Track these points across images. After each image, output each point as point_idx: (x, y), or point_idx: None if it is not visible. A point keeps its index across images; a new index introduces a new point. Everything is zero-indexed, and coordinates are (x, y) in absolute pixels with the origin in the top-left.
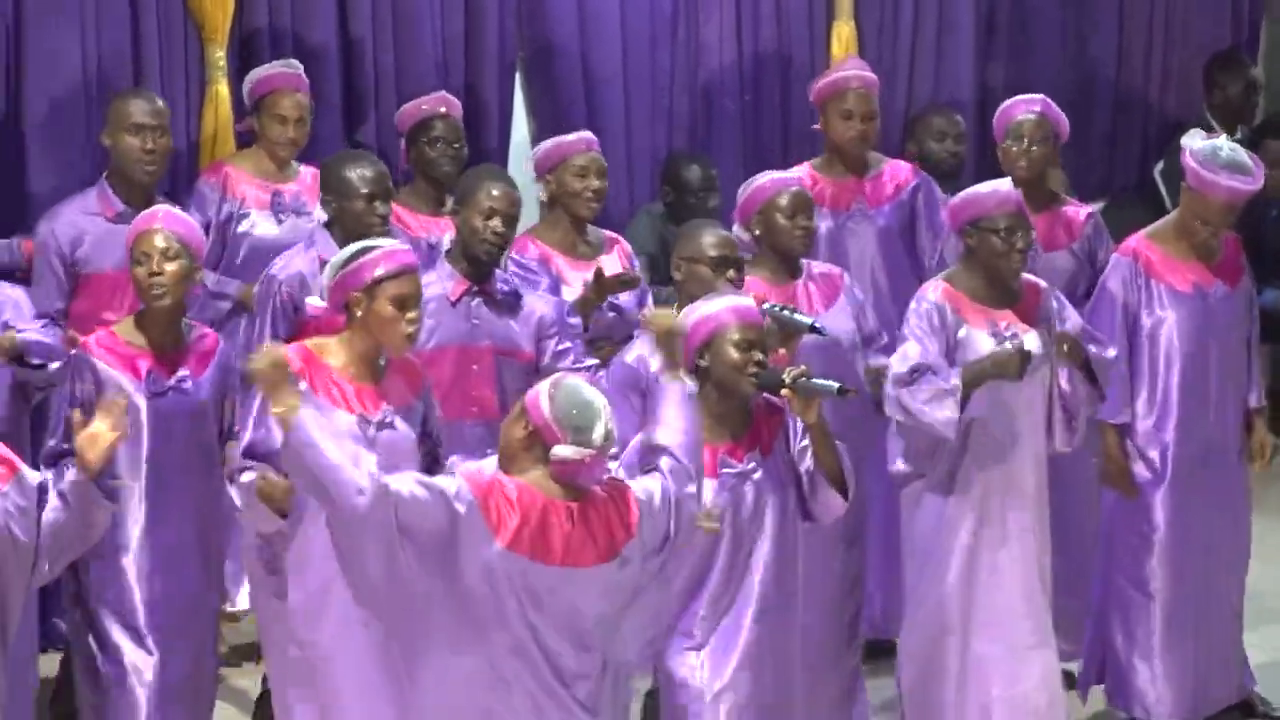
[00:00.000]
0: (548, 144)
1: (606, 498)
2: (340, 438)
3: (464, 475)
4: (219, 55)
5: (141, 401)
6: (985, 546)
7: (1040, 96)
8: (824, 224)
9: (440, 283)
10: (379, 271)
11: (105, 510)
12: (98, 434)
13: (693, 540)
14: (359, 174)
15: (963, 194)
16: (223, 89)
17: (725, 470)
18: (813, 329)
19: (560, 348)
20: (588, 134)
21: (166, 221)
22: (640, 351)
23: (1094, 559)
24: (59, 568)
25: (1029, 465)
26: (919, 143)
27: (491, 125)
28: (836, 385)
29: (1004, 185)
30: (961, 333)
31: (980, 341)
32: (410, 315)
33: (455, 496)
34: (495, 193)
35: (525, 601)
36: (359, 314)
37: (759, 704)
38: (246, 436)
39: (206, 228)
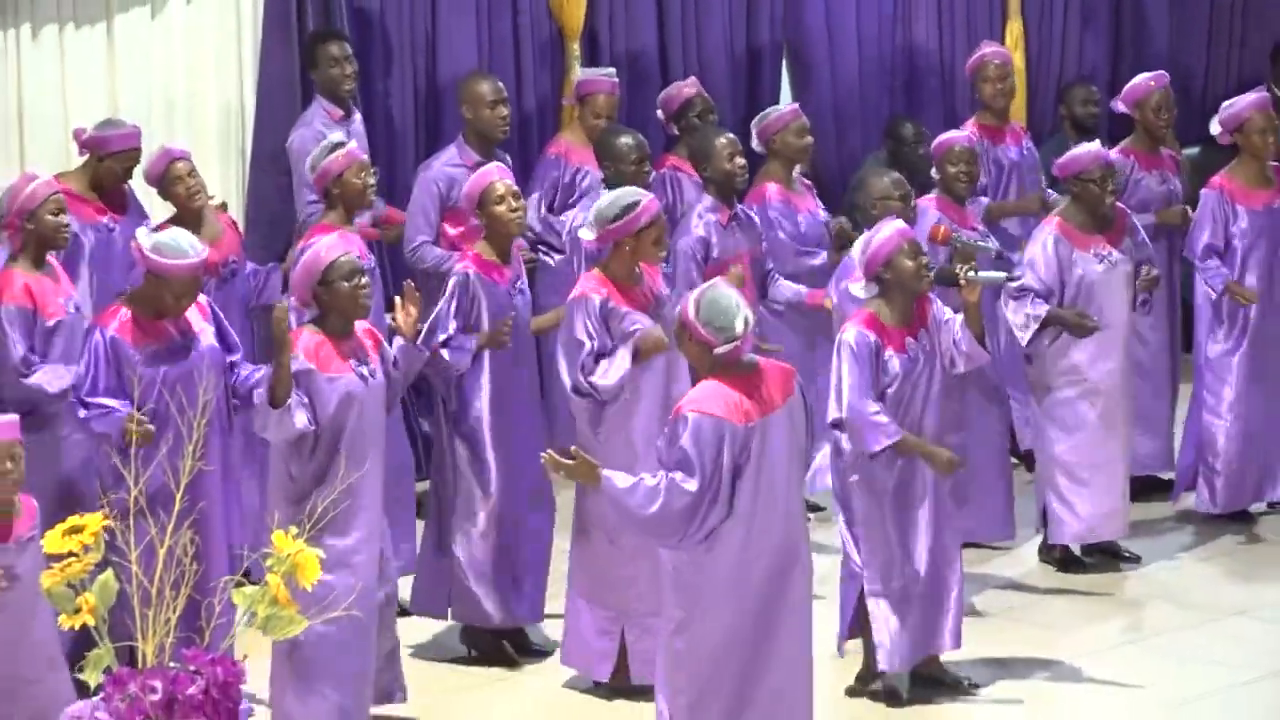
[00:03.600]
0: (770, 114)
1: (775, 366)
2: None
3: (688, 409)
4: (574, 48)
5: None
6: (1093, 386)
7: (1164, 74)
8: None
9: (710, 214)
10: (644, 221)
11: (420, 359)
12: (411, 316)
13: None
14: (628, 144)
15: (1066, 156)
16: (576, 74)
17: (910, 347)
18: (999, 255)
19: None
20: (794, 106)
21: (503, 174)
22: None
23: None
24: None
25: (1123, 334)
26: (1069, 107)
27: (765, 97)
28: (1004, 275)
29: (1095, 147)
30: (1073, 255)
31: (1085, 261)
32: (661, 245)
33: (696, 422)
34: (726, 141)
35: (760, 451)
36: (628, 249)
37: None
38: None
39: (554, 185)
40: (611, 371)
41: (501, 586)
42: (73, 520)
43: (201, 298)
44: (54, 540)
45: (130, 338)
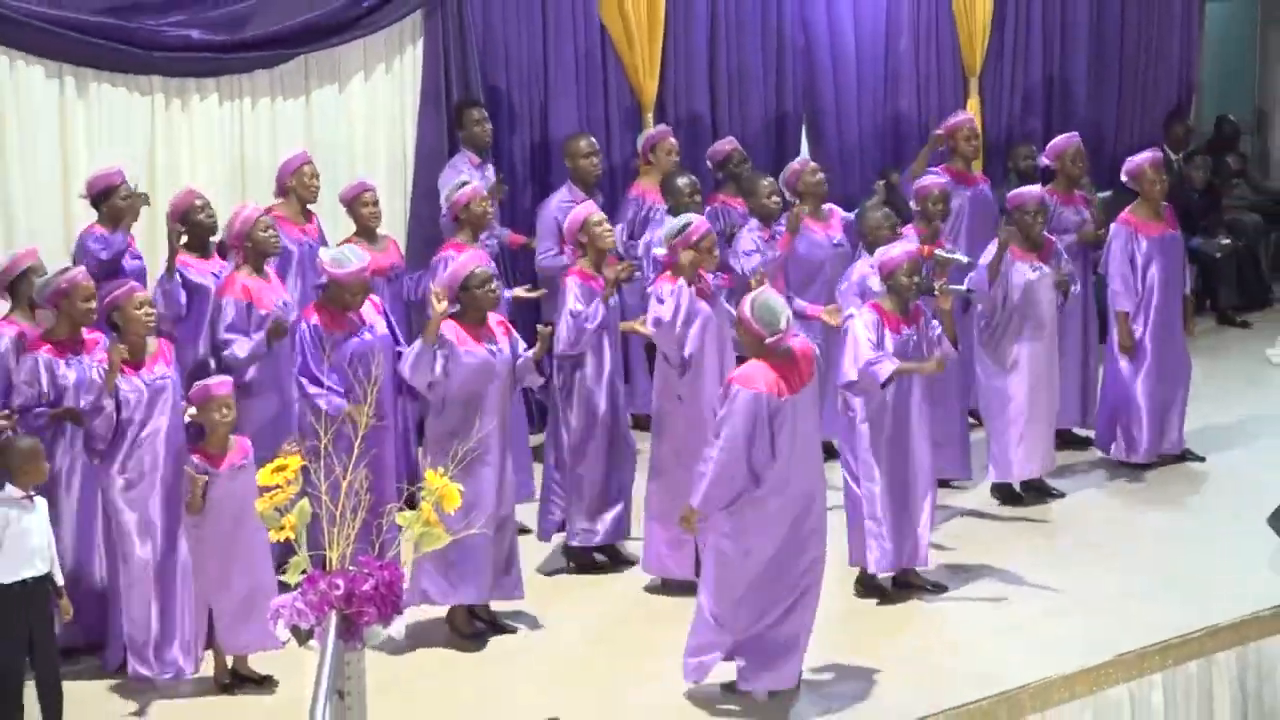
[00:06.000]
0: (788, 167)
1: (803, 350)
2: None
3: (737, 383)
4: (649, 115)
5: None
6: (1028, 364)
7: (1076, 134)
8: (958, 200)
9: (755, 232)
10: (697, 236)
11: (534, 378)
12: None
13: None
14: (683, 182)
15: (1013, 192)
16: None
17: (903, 330)
18: (968, 264)
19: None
20: (803, 157)
21: (592, 207)
22: (861, 270)
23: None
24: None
25: (1050, 326)
26: (1015, 161)
27: (789, 150)
28: (965, 289)
29: (1035, 188)
30: (1014, 265)
31: (1023, 270)
32: (714, 253)
33: (741, 394)
34: (767, 183)
35: (792, 419)
36: (690, 258)
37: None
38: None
39: (634, 218)
40: (666, 308)
41: (599, 514)
42: (279, 461)
43: (375, 297)
44: (265, 475)
45: (325, 325)
